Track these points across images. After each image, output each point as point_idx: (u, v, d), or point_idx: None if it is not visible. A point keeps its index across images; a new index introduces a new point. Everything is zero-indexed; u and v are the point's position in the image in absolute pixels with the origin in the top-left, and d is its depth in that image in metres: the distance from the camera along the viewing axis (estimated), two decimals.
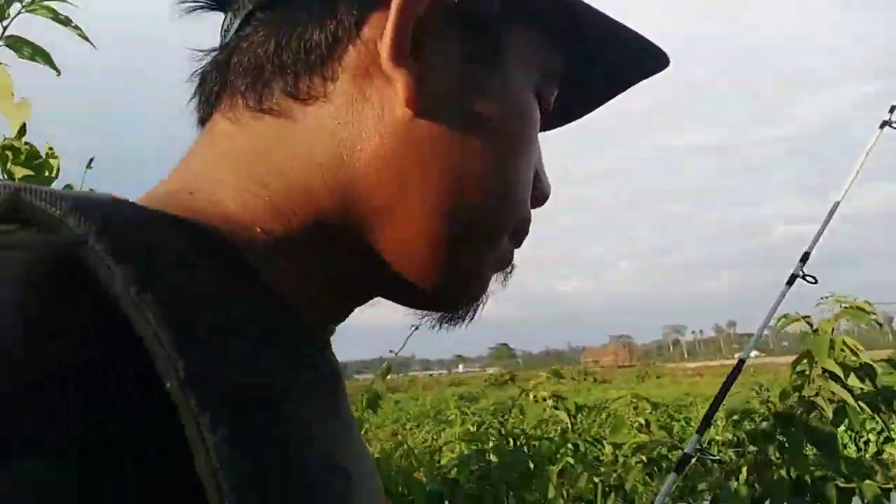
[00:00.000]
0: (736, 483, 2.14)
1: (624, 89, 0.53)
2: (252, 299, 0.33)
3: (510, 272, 0.48)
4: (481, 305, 0.46)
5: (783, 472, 2.05)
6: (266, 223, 0.37)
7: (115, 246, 0.27)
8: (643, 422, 2.93)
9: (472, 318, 0.47)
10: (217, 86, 0.41)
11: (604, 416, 2.93)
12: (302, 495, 0.28)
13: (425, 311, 0.46)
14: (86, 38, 1.15)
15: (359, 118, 0.38)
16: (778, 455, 2.08)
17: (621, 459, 2.69)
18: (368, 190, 0.38)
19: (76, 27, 1.14)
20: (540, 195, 0.47)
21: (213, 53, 0.42)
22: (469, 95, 0.40)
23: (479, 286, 0.45)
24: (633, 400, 3.04)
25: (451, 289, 0.43)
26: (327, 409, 0.36)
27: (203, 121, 0.42)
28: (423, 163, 0.38)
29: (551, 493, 2.51)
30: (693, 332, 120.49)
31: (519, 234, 0.46)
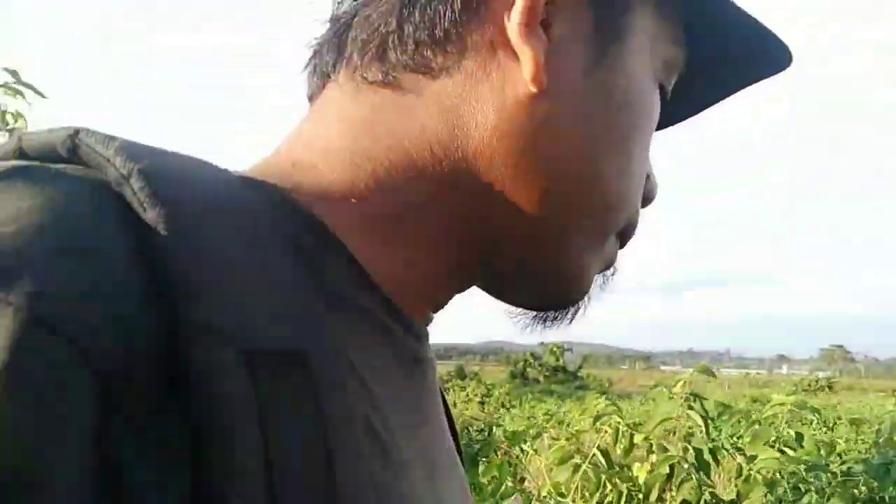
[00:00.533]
0: None
1: (740, 89, 0.50)
2: (318, 268, 0.33)
3: (612, 275, 0.46)
4: (582, 307, 0.44)
5: None
6: (364, 196, 0.36)
7: (153, 189, 0.27)
8: (793, 434, 2.51)
9: (570, 321, 0.45)
10: (333, 57, 0.40)
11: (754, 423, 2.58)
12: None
13: (520, 308, 0.44)
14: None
15: (478, 94, 0.37)
16: None
17: (747, 474, 2.36)
18: (481, 170, 0.37)
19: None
20: (649, 194, 0.45)
21: (330, 23, 0.41)
22: (595, 76, 0.38)
23: (584, 285, 0.42)
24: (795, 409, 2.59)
25: (554, 283, 0.41)
26: (405, 396, 0.36)
27: (314, 93, 0.42)
28: (541, 144, 0.37)
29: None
30: None
31: (626, 234, 0.44)
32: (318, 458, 0.26)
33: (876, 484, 2.10)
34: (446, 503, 0.38)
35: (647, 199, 0.45)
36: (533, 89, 0.36)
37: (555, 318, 0.44)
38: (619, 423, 2.58)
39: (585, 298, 0.43)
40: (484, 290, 0.43)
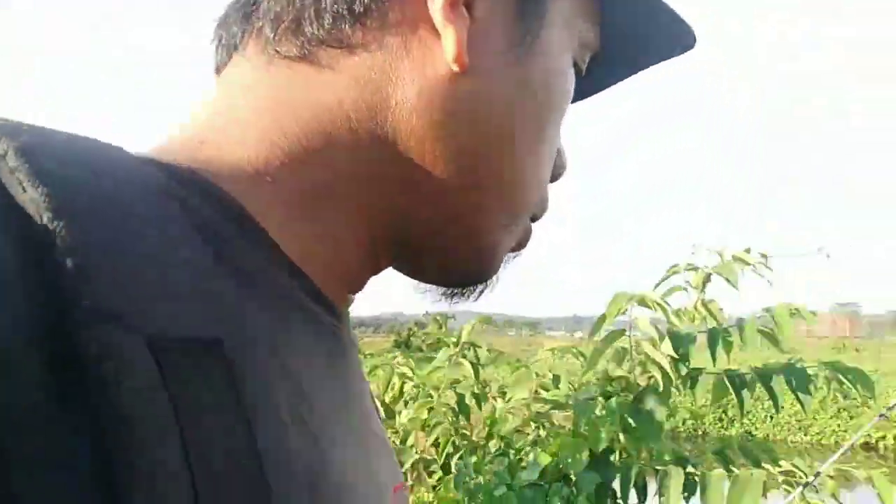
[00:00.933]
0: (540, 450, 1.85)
1: (648, 67, 0.52)
2: (230, 250, 0.31)
3: (519, 252, 0.46)
4: (490, 285, 0.45)
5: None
6: (280, 174, 0.35)
7: (33, 168, 0.24)
8: (551, 377, 2.59)
9: (477, 297, 0.45)
10: (241, 28, 0.38)
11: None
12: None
13: (431, 284, 0.44)
14: None
15: (398, 71, 0.36)
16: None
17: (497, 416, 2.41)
18: (399, 149, 0.36)
19: None
20: (558, 170, 0.46)
21: None
22: (516, 56, 0.38)
23: (496, 263, 0.43)
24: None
25: (468, 262, 0.42)
26: (329, 377, 0.35)
27: (221, 67, 0.40)
28: (461, 123, 0.37)
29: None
30: None
31: (538, 211, 0.44)
32: (241, 449, 0.25)
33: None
34: (379, 480, 0.37)
35: (556, 175, 0.45)
36: (455, 68, 0.36)
37: (463, 294, 0.45)
38: (395, 373, 2.60)
39: (494, 276, 0.44)
40: (398, 269, 0.43)
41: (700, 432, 16.65)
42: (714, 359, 1.59)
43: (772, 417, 16.40)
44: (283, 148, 0.35)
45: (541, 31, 0.39)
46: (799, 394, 1.70)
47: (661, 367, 1.56)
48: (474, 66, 0.36)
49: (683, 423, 16.94)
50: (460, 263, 0.42)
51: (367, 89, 0.36)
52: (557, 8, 0.40)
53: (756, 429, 16.53)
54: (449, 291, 0.45)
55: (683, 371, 1.61)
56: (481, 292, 0.45)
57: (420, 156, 0.37)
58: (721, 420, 16.70)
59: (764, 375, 1.69)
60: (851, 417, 15.74)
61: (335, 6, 0.36)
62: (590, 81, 0.50)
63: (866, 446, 15.24)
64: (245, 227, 0.32)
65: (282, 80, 0.36)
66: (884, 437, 15.09)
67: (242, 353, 0.27)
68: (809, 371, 1.74)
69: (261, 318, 0.30)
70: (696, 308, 1.67)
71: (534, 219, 0.45)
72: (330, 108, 0.36)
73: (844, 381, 1.70)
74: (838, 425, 15.75)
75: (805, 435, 16.05)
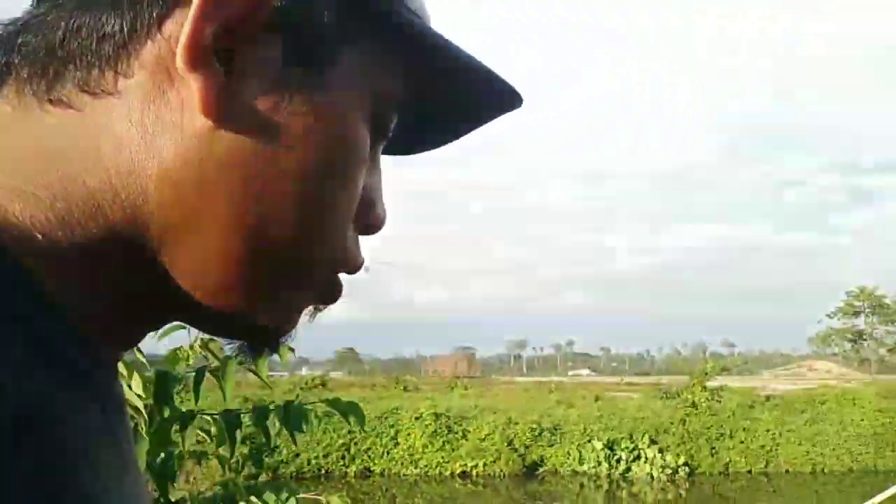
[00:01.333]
0: None
1: (474, 128, 0.50)
2: (15, 305, 0.30)
3: (326, 306, 0.45)
4: (287, 338, 0.43)
5: None
6: (48, 230, 0.32)
7: None
8: None
9: (273, 350, 0.43)
10: (3, 60, 0.35)
11: None
12: None
13: (226, 337, 0.43)
14: None
15: (154, 122, 0.33)
16: None
17: None
18: (161, 203, 0.34)
19: None
20: (373, 223, 0.44)
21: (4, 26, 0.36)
22: (284, 111, 0.35)
23: (286, 325, 0.42)
24: None
25: (252, 329, 0.41)
26: (107, 439, 0.34)
27: None
28: (222, 179, 0.34)
29: None
30: (534, 349, 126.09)
31: (341, 266, 0.42)
32: None
33: None
34: None
35: (373, 227, 0.44)
36: (209, 121, 0.34)
37: (259, 349, 0.43)
38: None
39: (290, 330, 0.42)
40: (184, 322, 0.42)
41: (324, 471, 17.18)
42: (224, 396, 1.59)
43: (388, 453, 17.71)
44: (46, 203, 0.32)
45: (317, 86, 0.36)
46: (293, 430, 1.76)
47: (137, 410, 1.47)
48: (231, 120, 0.34)
49: (308, 464, 17.43)
50: (245, 331, 0.41)
51: (127, 142, 0.33)
52: (344, 59, 0.37)
53: (374, 464, 17.65)
54: (245, 345, 0.43)
55: (167, 413, 1.54)
56: (274, 348, 0.43)
57: (183, 213, 0.34)
58: (343, 458, 17.50)
59: (260, 414, 1.72)
60: (454, 450, 17.84)
61: (86, 48, 0.33)
62: (419, 138, 0.50)
63: (463, 475, 17.41)
64: (40, 298, 0.31)
65: (40, 128, 0.34)
66: (476, 465, 17.41)
67: (51, 432, 0.27)
68: (308, 407, 1.82)
69: (60, 396, 0.30)
70: (192, 347, 1.63)
71: (349, 272, 0.43)
72: (90, 161, 0.33)
73: (336, 413, 1.82)
74: (442, 457, 17.68)
75: (415, 468, 17.64)
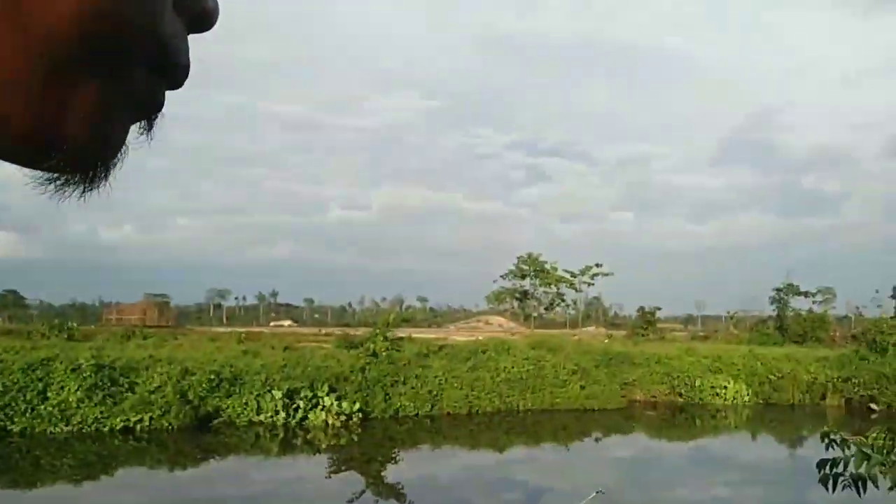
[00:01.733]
0: None
1: None
2: None
3: (155, 119, 0.37)
4: (108, 162, 0.36)
5: None
6: None
7: None
8: None
9: (88, 179, 0.35)
10: None
11: None
12: None
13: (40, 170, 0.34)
14: None
15: None
16: None
17: None
18: None
19: None
20: (202, 11, 0.36)
21: None
22: None
23: (89, 128, 0.33)
24: None
25: (40, 129, 0.32)
26: None
27: None
28: None
29: None
30: (236, 298, 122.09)
31: (159, 58, 0.34)
32: None
33: None
34: None
35: (203, 18, 0.37)
36: None
37: (77, 180, 0.35)
38: None
39: (109, 150, 0.35)
40: None
41: None
42: None
43: (33, 409, 15.41)
44: None
45: None
46: None
47: None
48: None
49: None
50: (42, 137, 0.32)
51: None
52: None
53: (13, 423, 15.21)
54: (60, 178, 0.34)
55: None
56: (96, 178, 0.35)
57: None
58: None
59: None
60: (116, 404, 16.22)
61: None
62: None
63: (125, 431, 15.95)
64: None
65: None
66: (141, 420, 16.08)
67: None
68: None
69: None
70: None
71: (171, 79, 0.36)
72: None
73: None
74: (101, 412, 15.98)
75: (67, 425, 15.65)
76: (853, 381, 24.14)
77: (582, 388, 22.30)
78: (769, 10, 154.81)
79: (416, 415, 19.67)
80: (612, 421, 21.56)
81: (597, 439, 19.49)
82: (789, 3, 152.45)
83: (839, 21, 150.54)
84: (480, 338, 29.96)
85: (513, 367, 21.99)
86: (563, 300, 72.88)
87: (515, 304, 73.86)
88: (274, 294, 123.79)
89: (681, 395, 24.12)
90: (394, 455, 16.17)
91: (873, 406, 23.07)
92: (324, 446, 16.60)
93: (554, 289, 70.45)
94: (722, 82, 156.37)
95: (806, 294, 56.35)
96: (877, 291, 61.68)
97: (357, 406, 18.28)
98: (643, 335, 43.75)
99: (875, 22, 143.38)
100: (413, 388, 19.94)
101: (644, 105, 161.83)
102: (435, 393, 20.21)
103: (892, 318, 34.56)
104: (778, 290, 48.53)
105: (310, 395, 17.96)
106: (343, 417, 17.90)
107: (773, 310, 48.53)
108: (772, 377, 24.82)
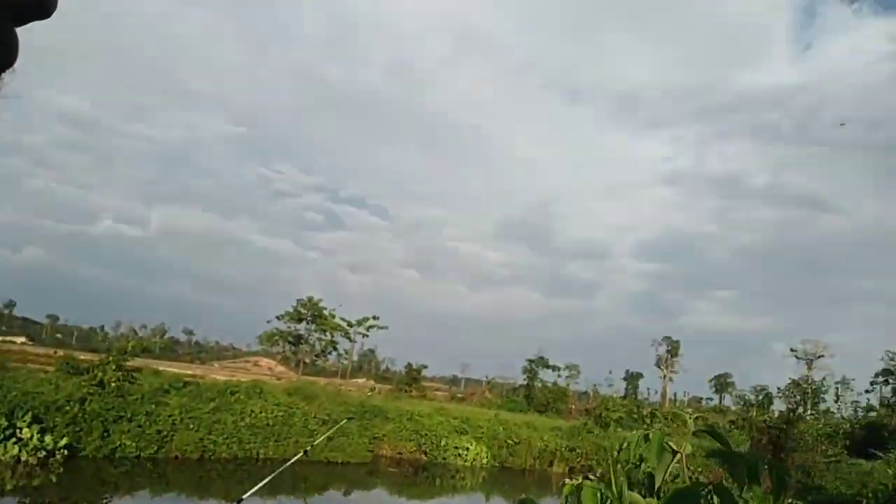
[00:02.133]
0: None
1: None
2: None
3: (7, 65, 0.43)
4: None
5: None
6: None
7: None
8: None
9: None
10: None
11: None
12: None
13: None
14: None
15: None
16: None
17: None
18: None
19: None
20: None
21: None
22: None
23: None
24: None
25: None
26: None
27: None
28: None
29: None
30: None
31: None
32: None
33: None
34: None
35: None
36: None
37: None
38: None
39: None
40: None
41: None
42: None
43: None
44: None
45: None
46: None
47: None
48: None
49: None
50: None
51: None
52: None
53: None
54: None
55: None
56: None
57: None
58: None
59: None
60: None
61: None
62: None
63: None
64: None
65: None
66: None
67: None
68: None
69: None
70: None
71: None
72: None
73: None
74: None
75: None
76: (577, 450, 26.47)
77: (329, 439, 21.73)
78: (563, 111, 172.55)
79: (138, 456, 17.57)
80: (357, 475, 21.22)
81: (345, 493, 18.96)
82: (575, 116, 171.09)
83: (614, 135, 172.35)
84: (243, 379, 28.22)
85: (261, 412, 20.81)
86: (335, 349, 72.03)
87: (288, 347, 71.39)
88: (10, 305, 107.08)
89: (426, 453, 24.57)
90: (104, 501, 14.19)
91: (590, 476, 25.39)
92: (9, 487, 14.04)
93: (328, 336, 69.44)
94: (515, 164, 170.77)
95: (554, 367, 61.53)
96: (610, 372, 69.58)
97: (64, 441, 15.84)
98: (407, 391, 44.49)
99: (647, 143, 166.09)
100: (140, 426, 17.86)
101: (445, 173, 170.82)
102: (165, 433, 18.27)
103: (620, 398, 38.94)
104: (530, 361, 52.59)
105: (5, 424, 15.24)
106: (42, 454, 15.36)
107: (524, 379, 52.36)
108: (510, 442, 26.33)
